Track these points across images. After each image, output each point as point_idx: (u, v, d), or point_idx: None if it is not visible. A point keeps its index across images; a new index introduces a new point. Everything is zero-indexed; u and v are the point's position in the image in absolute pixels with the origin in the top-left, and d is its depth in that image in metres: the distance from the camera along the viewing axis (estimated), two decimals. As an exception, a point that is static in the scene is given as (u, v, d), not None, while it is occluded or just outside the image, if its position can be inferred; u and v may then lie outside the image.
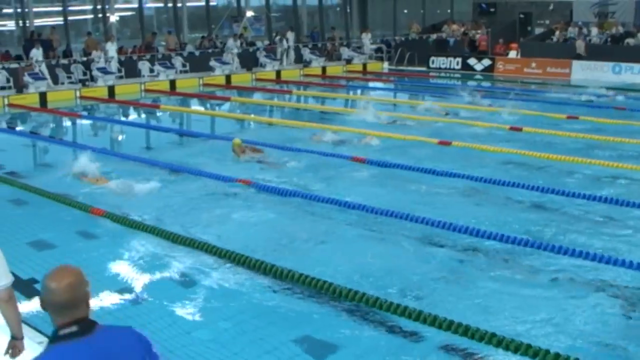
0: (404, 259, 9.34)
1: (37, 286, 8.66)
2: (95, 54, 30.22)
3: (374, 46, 39.23)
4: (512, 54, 35.66)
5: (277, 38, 36.62)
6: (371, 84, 32.64)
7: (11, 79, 28.05)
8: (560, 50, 33.89)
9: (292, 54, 36.12)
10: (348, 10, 45.19)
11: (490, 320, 7.45)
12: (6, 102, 26.37)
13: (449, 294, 8.28)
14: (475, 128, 18.70)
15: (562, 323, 7.47)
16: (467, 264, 9.19)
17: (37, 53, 28.71)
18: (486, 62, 34.85)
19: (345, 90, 30.48)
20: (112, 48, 30.54)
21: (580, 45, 33.24)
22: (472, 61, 35.31)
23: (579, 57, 32.61)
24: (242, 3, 40.41)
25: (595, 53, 32.59)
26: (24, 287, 8.28)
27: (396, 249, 9.73)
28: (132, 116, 25.18)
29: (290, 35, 35.87)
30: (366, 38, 38.50)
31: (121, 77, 30.40)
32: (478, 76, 33.86)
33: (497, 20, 43.16)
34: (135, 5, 37.89)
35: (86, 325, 3.37)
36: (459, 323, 7.14)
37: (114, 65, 30.36)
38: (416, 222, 10.58)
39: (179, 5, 38.38)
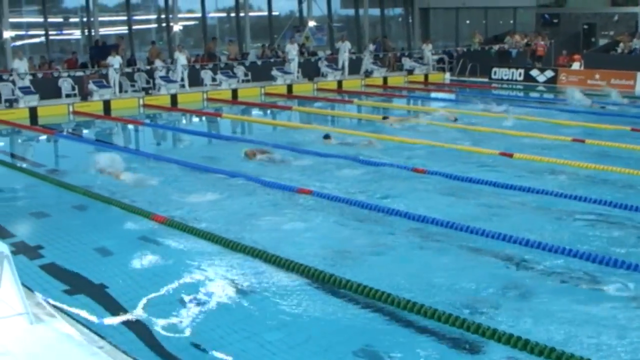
0: (464, 272, 9.26)
1: (108, 292, 8.84)
2: (158, 62, 30.65)
3: (435, 57, 39.07)
4: (576, 66, 35.15)
5: (338, 45, 36.57)
6: (432, 95, 32.49)
7: (76, 87, 28.53)
8: (625, 62, 33.34)
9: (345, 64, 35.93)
10: (410, 21, 45.09)
11: (552, 335, 7.36)
12: (71, 109, 26.86)
13: (509, 307, 8.19)
14: (537, 139, 18.48)
15: (624, 342, 7.34)
16: (528, 277, 9.08)
17: (114, 61, 29.16)
18: (549, 73, 34.42)
19: (406, 100, 30.40)
20: (181, 57, 30.81)
21: (646, 57, 32.71)
22: (534, 72, 34.92)
23: (644, 69, 32.05)
24: (305, 13, 40.56)
25: (661, 65, 32.02)
26: (92, 291, 8.42)
27: (456, 261, 9.67)
28: (194, 124, 25.44)
29: (345, 44, 35.75)
30: (427, 49, 38.35)
31: (183, 86, 30.70)
32: (540, 87, 33.47)
33: (561, 32, 42.65)
34: (199, 15, 38.34)
35: None
36: (518, 337, 7.07)
37: (179, 74, 30.64)
38: (476, 234, 10.50)
39: (242, 14, 38.68)
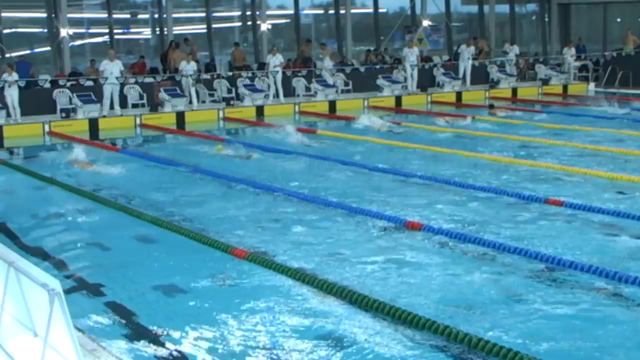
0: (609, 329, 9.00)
1: (174, 337, 8.86)
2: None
3: (577, 63, 38.49)
4: None
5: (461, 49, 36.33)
6: (573, 110, 31.94)
7: (145, 95, 29.00)
8: None
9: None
10: (546, 19, 44.57)
11: None
12: (138, 121, 27.32)
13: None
14: None
15: None
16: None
17: (187, 67, 29.55)
18: None
19: (540, 117, 29.94)
20: (274, 60, 31.05)
21: None
22: None
23: None
24: (418, 10, 40.53)
25: None
26: (157, 339, 8.46)
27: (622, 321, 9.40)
28: (281, 142, 25.50)
29: (469, 49, 35.48)
30: (569, 53, 37.81)
31: (276, 96, 30.91)
32: None
33: None
34: (291, 12, 38.62)
35: None
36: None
37: (271, 82, 30.86)
38: (626, 283, 10.19)
39: (342, 11, 38.75)
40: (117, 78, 27.93)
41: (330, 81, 32.42)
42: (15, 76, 26.74)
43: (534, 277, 10.69)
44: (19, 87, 26.98)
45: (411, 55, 33.90)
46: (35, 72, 30.73)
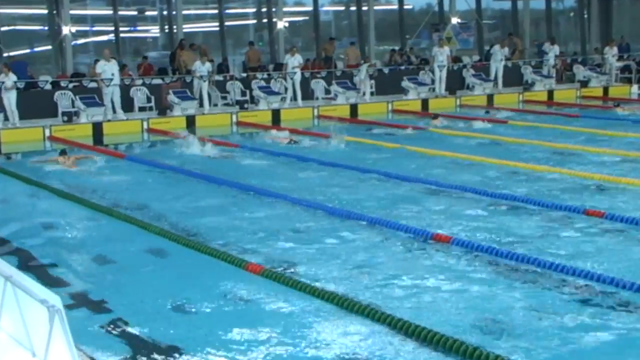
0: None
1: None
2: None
3: (619, 63, 38.36)
4: None
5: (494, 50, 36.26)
6: (614, 114, 31.80)
7: (152, 98, 29.04)
8: None
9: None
10: (585, 16, 44.43)
11: None
12: (145, 126, 27.35)
13: None
14: None
15: None
16: None
17: (202, 68, 29.59)
18: None
19: (578, 122, 29.85)
20: (293, 61, 31.05)
21: None
22: None
23: None
24: (446, 7, 40.49)
25: None
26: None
27: None
28: (298, 147, 25.47)
29: (503, 51, 35.38)
30: (610, 53, 37.69)
31: (294, 99, 30.94)
32: None
33: None
34: (310, 9, 38.63)
35: None
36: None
37: (289, 84, 30.88)
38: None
39: (365, 8, 38.73)
40: (111, 79, 27.86)
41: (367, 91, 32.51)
42: (12, 77, 26.79)
43: (572, 296, 10.62)
44: (17, 89, 27.04)
45: (440, 55, 33.79)
46: (34, 73, 30.85)
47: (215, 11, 37.10)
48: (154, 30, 37.53)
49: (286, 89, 31.18)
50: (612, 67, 37.56)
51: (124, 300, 10.74)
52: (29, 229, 14.89)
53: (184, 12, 34.61)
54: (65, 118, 27.26)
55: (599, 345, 9.07)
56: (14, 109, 26.75)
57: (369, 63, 33.51)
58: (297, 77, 31.05)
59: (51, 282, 11.38)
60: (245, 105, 30.21)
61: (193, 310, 10.39)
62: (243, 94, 30.70)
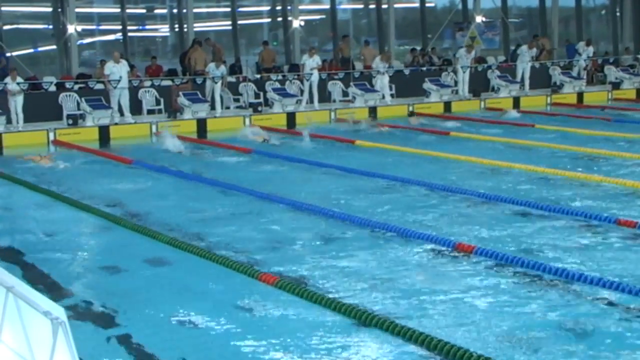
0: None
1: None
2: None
3: (654, 64, 38.34)
4: None
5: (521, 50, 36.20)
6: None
7: (162, 100, 29.07)
8: None
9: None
10: (618, 14, 44.31)
11: None
12: (154, 129, 27.38)
13: None
14: None
15: None
16: None
17: (215, 71, 29.61)
18: None
19: (609, 126, 29.75)
20: (311, 62, 30.99)
21: None
22: None
23: None
24: (470, 5, 40.46)
25: None
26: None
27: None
28: (319, 152, 25.42)
29: (531, 52, 35.28)
30: (645, 53, 37.65)
31: (311, 102, 30.92)
32: None
33: None
34: (327, 7, 38.64)
35: None
36: None
37: (305, 87, 30.88)
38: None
39: (385, 6, 38.74)
40: (118, 81, 27.88)
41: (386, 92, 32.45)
42: (19, 81, 26.89)
43: (603, 309, 10.60)
44: (23, 91, 27.11)
45: (467, 59, 33.77)
46: (37, 74, 30.95)
47: (228, 9, 37.15)
48: (164, 29, 37.56)
49: (301, 91, 31.17)
50: (646, 68, 37.54)
51: (130, 312, 10.76)
52: (32, 238, 14.95)
53: (195, 10, 34.58)
54: (71, 121, 27.30)
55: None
56: (19, 112, 26.80)
57: (380, 55, 33.29)
58: (315, 79, 30.99)
59: (54, 292, 11.41)
60: (259, 108, 30.19)
61: (203, 321, 10.41)
62: (257, 96, 30.70)
